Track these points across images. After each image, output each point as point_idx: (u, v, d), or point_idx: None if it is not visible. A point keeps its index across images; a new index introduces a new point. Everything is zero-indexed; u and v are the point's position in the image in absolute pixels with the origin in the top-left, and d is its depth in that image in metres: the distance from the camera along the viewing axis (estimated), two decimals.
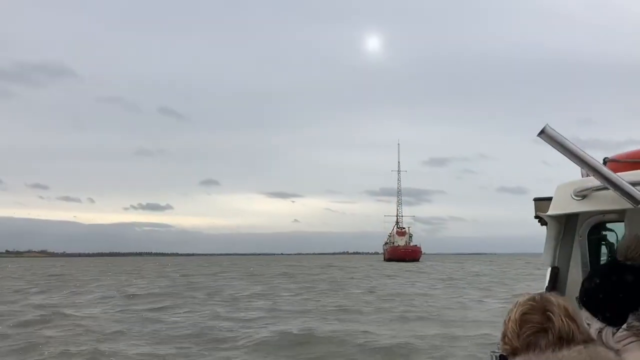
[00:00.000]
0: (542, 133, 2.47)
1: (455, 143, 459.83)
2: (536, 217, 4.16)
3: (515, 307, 1.99)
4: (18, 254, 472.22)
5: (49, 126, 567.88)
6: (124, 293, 39.20)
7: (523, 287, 38.85)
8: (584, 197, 3.45)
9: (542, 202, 4.03)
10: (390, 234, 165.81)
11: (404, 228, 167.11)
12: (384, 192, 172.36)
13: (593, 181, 3.21)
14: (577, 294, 2.77)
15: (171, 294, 38.16)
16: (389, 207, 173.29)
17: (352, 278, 58.93)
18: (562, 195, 3.66)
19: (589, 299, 2.56)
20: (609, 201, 3.26)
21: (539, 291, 2.17)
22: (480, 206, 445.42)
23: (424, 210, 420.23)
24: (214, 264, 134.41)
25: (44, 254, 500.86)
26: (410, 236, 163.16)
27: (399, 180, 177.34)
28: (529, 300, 1.98)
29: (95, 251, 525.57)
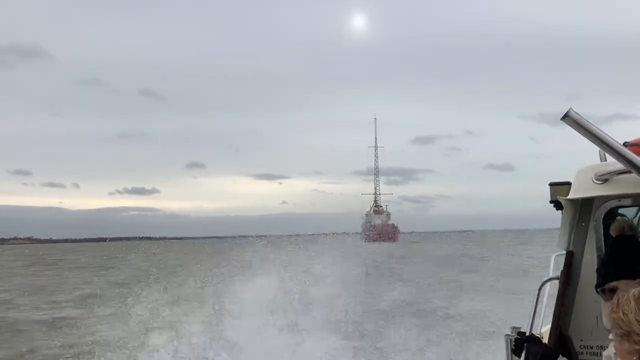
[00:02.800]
0: (566, 117, 2.42)
1: (442, 120, 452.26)
2: (552, 201, 4.07)
3: (629, 298, 1.97)
4: (3, 241, 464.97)
5: (25, 110, 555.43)
6: None
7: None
8: (605, 180, 3.49)
9: (558, 187, 4.02)
10: (368, 213, 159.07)
11: (381, 206, 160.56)
12: (372, 172, 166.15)
13: (614, 165, 3.34)
14: (591, 278, 3.06)
15: None
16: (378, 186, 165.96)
17: None
18: (582, 179, 3.69)
19: (606, 268, 2.82)
20: (630, 185, 3.36)
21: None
22: (468, 183, 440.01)
23: (412, 189, 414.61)
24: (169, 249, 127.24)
25: (30, 240, 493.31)
26: (388, 215, 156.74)
27: (376, 156, 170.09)
28: None
29: (83, 237, 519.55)
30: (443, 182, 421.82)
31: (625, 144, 3.32)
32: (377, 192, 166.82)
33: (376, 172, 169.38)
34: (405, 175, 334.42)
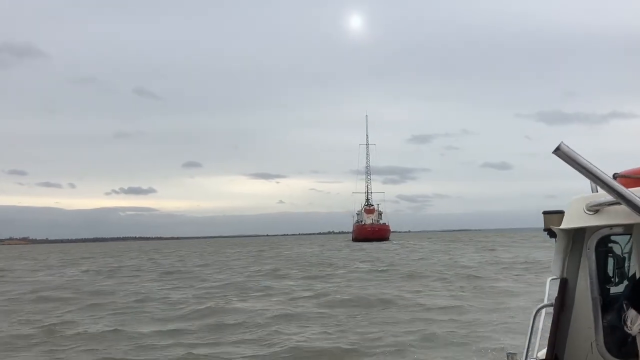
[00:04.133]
0: (558, 150, 2.54)
1: (438, 119, 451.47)
2: (545, 229, 4.24)
3: None
4: None
5: (20, 109, 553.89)
6: None
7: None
8: (596, 211, 3.63)
9: (551, 216, 4.19)
10: (359, 212, 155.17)
11: (372, 205, 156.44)
12: (370, 171, 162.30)
13: (605, 196, 3.45)
14: (585, 304, 3.42)
15: None
16: (374, 186, 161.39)
17: None
18: (575, 210, 3.85)
19: (634, 293, 2.75)
20: (620, 216, 3.48)
21: None
22: (465, 182, 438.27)
23: (409, 188, 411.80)
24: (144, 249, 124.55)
25: (26, 241, 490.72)
26: (380, 214, 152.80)
27: (367, 154, 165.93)
28: None
29: (79, 237, 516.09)
30: (440, 181, 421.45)
31: (615, 176, 3.60)
32: (369, 191, 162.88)
33: (367, 171, 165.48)
34: (402, 174, 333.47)
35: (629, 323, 2.79)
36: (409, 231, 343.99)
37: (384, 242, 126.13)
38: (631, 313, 2.76)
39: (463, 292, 25.68)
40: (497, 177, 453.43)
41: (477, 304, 21.18)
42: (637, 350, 2.59)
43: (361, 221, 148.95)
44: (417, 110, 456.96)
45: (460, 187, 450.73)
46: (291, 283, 32.37)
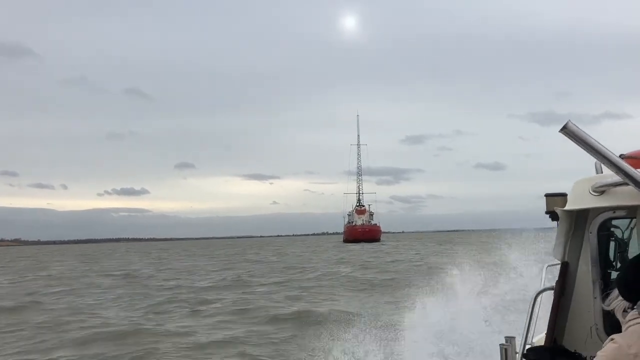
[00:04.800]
0: (565, 128, 2.46)
1: (432, 120, 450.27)
2: (547, 212, 4.11)
3: None
4: None
5: (11, 110, 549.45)
6: None
7: None
8: (601, 192, 3.51)
9: (553, 198, 4.07)
10: (350, 212, 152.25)
11: (363, 206, 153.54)
12: (365, 172, 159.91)
13: (611, 177, 3.31)
14: (586, 288, 3.33)
15: None
16: (368, 186, 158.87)
17: None
18: (579, 191, 3.72)
19: (619, 278, 2.72)
20: (625, 197, 3.36)
21: None
22: (458, 183, 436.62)
23: (403, 189, 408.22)
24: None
25: (18, 242, 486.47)
26: (371, 214, 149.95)
27: (358, 155, 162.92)
28: None
29: (72, 238, 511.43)
30: (433, 182, 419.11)
31: (621, 156, 3.34)
32: (360, 192, 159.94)
33: (359, 171, 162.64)
34: (396, 175, 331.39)
35: (607, 301, 2.85)
36: (403, 232, 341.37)
37: (374, 243, 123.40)
38: (613, 293, 2.76)
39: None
40: (490, 177, 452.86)
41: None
42: None
43: (352, 222, 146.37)
44: (411, 111, 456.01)
45: (454, 187, 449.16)
46: (250, 291, 29.02)
